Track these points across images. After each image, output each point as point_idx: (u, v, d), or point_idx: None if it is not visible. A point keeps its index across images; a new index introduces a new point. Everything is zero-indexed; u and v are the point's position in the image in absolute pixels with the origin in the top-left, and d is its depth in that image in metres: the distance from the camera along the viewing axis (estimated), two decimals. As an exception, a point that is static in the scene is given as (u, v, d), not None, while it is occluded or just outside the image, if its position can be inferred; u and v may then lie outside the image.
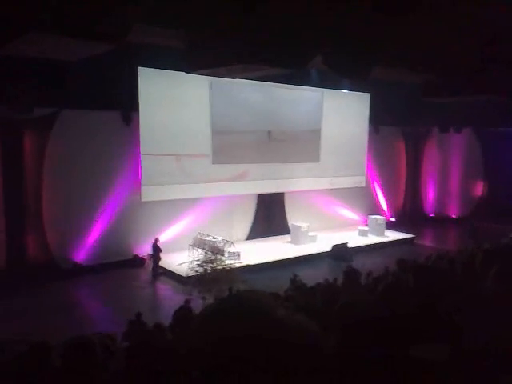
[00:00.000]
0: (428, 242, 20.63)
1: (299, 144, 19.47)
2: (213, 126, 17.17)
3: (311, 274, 12.19)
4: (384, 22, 7.96)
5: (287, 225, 19.55)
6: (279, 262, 15.99)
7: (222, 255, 14.22)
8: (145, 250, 15.89)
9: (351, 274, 9.96)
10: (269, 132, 18.61)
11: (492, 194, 24.07)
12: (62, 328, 8.33)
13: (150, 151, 15.70)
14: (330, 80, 17.81)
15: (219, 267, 13.92)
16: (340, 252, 16.97)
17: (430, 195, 25.56)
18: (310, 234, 18.37)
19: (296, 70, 10.67)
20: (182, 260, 14.74)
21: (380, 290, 3.02)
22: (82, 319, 11.23)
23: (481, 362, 1.94)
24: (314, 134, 20.07)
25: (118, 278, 14.30)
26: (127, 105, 15.25)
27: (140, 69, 15.07)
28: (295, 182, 19.55)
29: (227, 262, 14.24)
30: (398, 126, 23.01)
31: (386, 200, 23.64)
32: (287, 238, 18.78)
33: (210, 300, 9.82)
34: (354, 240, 18.79)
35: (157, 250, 15.00)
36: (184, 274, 14.18)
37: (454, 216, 25.01)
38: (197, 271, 13.97)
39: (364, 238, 19.67)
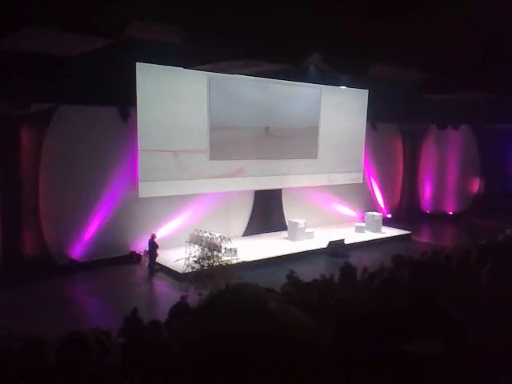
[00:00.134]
0: (424, 238, 20.68)
1: (297, 140, 19.46)
2: (210, 122, 17.14)
3: (308, 270, 12.21)
4: (383, 19, 7.95)
5: (284, 221, 19.56)
6: (276, 258, 16.00)
7: (219, 251, 14.23)
8: (141, 246, 15.87)
9: (348, 270, 9.98)
10: (266, 128, 18.59)
11: (488, 190, 24.13)
12: (57, 324, 8.31)
13: (147, 147, 15.66)
14: (328, 76, 17.81)
15: (216, 263, 13.95)
16: (337, 248, 17.01)
17: (426, 192, 25.61)
18: (307, 230, 18.39)
19: (294, 66, 10.66)
20: (178, 256, 14.75)
21: (375, 285, 3.02)
22: (78, 315, 11.22)
23: (475, 357, 1.94)
24: (312, 131, 20.06)
25: (114, 275, 14.29)
26: (125, 100, 15.19)
27: (138, 64, 15.01)
28: (293, 178, 19.54)
29: (224, 258, 14.26)
30: (395, 122, 23.03)
31: (383, 196, 23.67)
32: (284, 234, 18.80)
33: (207, 296, 9.80)
34: (351, 236, 18.83)
35: (153, 246, 14.99)
36: (181, 271, 14.20)
37: (450, 213, 25.06)
38: (193, 267, 14.00)
39: (361, 234, 19.71)
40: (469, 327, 2.16)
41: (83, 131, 14.55)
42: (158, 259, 15.12)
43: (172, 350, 0.90)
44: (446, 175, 25.19)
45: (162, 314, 8.76)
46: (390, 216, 23.04)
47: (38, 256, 14.06)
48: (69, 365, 3.08)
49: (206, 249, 14.29)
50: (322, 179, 20.48)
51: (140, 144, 15.53)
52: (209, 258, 14.03)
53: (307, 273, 11.03)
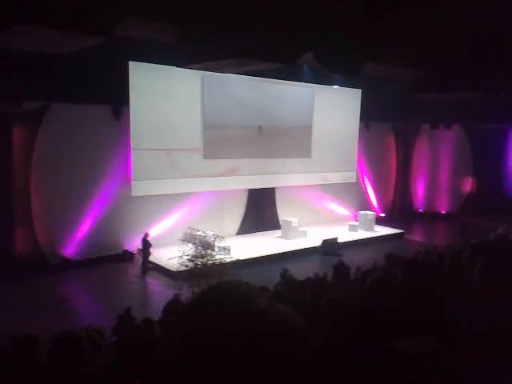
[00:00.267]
0: (417, 237, 20.77)
1: (290, 139, 19.48)
2: (204, 121, 17.11)
3: (301, 269, 12.22)
4: (375, 18, 7.96)
5: (278, 220, 19.58)
6: (269, 256, 16.02)
7: (213, 250, 14.22)
8: (134, 244, 15.83)
9: (341, 269, 10.00)
10: (260, 127, 18.59)
11: (481, 189, 24.25)
12: (50, 323, 8.27)
13: (140, 145, 15.61)
14: (321, 76, 17.84)
15: (209, 262, 13.93)
16: (330, 247, 17.05)
17: (419, 191, 25.72)
18: (301, 229, 18.42)
19: (287, 66, 10.66)
20: (172, 255, 14.71)
21: (368, 284, 3.04)
22: (70, 314, 11.18)
23: (467, 354, 1.96)
24: (305, 130, 20.08)
25: (107, 273, 14.25)
26: (117, 99, 15.14)
27: (131, 63, 14.96)
28: (286, 177, 19.56)
29: (217, 256, 14.25)
30: (388, 121, 23.10)
31: (376, 195, 23.75)
32: (278, 232, 18.81)
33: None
34: (344, 235, 18.87)
35: (147, 244, 14.95)
36: (174, 269, 14.17)
37: (443, 212, 25.19)
38: (187, 266, 13.97)
39: (354, 233, 19.77)
40: (461, 324, 2.17)
41: (76, 130, 14.49)
42: (152, 258, 15.09)
43: (161, 348, 0.90)
44: (438, 174, 25.30)
45: (156, 312, 8.74)
46: (383, 215, 23.11)
47: (31, 255, 13.99)
48: (61, 364, 3.07)
49: (199, 247, 14.28)
50: (315, 178, 20.52)
51: (133, 143, 15.48)
52: (202, 257, 14.01)
53: (301, 271, 11.04)
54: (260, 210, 19.55)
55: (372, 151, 22.94)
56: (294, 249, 17.03)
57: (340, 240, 17.73)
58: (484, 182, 24.10)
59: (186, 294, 10.81)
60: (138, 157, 15.63)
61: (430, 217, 24.43)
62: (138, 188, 15.72)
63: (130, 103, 15.21)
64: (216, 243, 14.44)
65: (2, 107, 12.89)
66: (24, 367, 3.67)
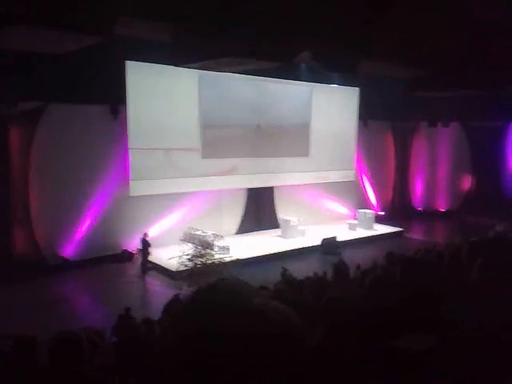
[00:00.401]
0: (416, 235, 20.78)
1: (288, 138, 19.47)
2: (202, 120, 17.10)
3: (301, 268, 12.24)
4: (372, 16, 7.96)
5: (277, 219, 19.58)
6: (269, 255, 16.01)
7: (212, 249, 14.22)
8: (134, 244, 15.82)
9: (340, 268, 10.01)
10: (258, 126, 18.58)
11: (480, 187, 24.26)
12: (49, 323, 8.26)
13: (138, 145, 15.60)
14: (319, 74, 17.83)
15: (209, 261, 13.93)
16: (329, 246, 17.05)
17: (418, 189, 25.74)
18: (300, 227, 18.42)
19: (284, 64, 10.66)
20: (171, 254, 14.71)
21: (367, 283, 3.03)
22: (70, 315, 11.16)
23: (466, 352, 1.95)
24: (304, 129, 20.08)
25: (106, 273, 14.24)
26: (115, 98, 15.12)
27: (128, 62, 14.95)
28: (285, 176, 19.57)
29: (217, 256, 14.25)
30: (386, 120, 23.10)
31: (375, 194, 23.76)
32: (277, 232, 18.81)
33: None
34: (343, 234, 18.87)
35: (146, 244, 14.94)
36: (174, 269, 14.16)
37: (442, 209, 25.21)
38: (186, 265, 13.96)
39: (353, 231, 19.77)
40: (460, 321, 2.17)
41: (73, 130, 14.46)
42: (151, 257, 15.08)
43: (159, 350, 0.89)
44: (437, 172, 25.32)
45: (156, 312, 8.74)
46: (382, 213, 23.12)
47: (29, 255, 13.97)
48: (61, 365, 3.06)
49: (198, 247, 14.27)
50: (314, 177, 20.52)
51: (131, 142, 15.47)
52: (202, 256, 14.01)
53: (300, 270, 11.05)
54: (259, 209, 19.55)
55: (371, 150, 22.95)
56: (293, 248, 17.03)
57: (339, 239, 17.73)
58: (483, 179, 24.11)
59: (185, 293, 10.79)
60: (136, 156, 15.62)
61: (429, 215, 24.45)
62: (137, 188, 15.71)
63: (128, 103, 15.20)
64: (215, 242, 14.44)
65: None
66: (23, 368, 3.66)
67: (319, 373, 1.66)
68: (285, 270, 10.44)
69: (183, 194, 17.00)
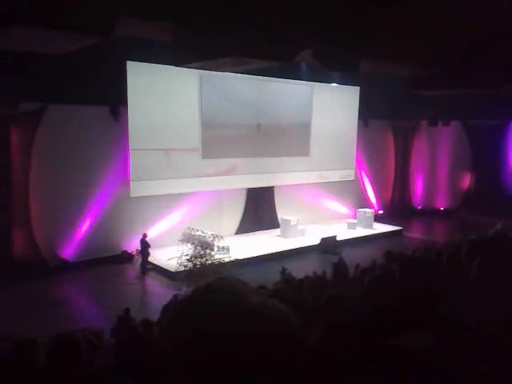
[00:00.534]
0: (416, 234, 20.79)
1: (289, 138, 19.47)
2: (202, 120, 17.09)
3: (300, 267, 12.22)
4: (373, 14, 7.95)
5: (277, 218, 19.57)
6: (269, 255, 16.01)
7: (212, 250, 14.21)
8: (133, 245, 15.81)
9: (340, 267, 10.01)
10: (258, 125, 18.58)
11: (479, 186, 24.27)
12: (49, 325, 8.26)
13: (138, 146, 15.59)
14: (320, 74, 17.81)
15: (208, 262, 13.93)
16: (329, 245, 17.05)
17: (418, 188, 25.75)
18: (300, 227, 18.42)
19: (284, 64, 10.65)
20: (171, 255, 14.71)
21: (366, 281, 3.03)
22: (69, 316, 11.15)
23: (465, 350, 1.95)
24: (304, 128, 20.08)
25: (106, 274, 14.22)
26: (115, 99, 15.11)
27: (129, 63, 14.93)
28: (285, 175, 19.56)
29: (216, 256, 14.25)
30: (387, 119, 23.10)
31: (375, 193, 23.76)
32: (277, 231, 18.80)
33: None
34: (343, 233, 18.87)
35: (145, 245, 14.93)
36: (173, 269, 14.16)
37: (441, 208, 25.22)
38: (186, 266, 13.97)
39: (353, 230, 19.77)
40: (458, 319, 2.16)
41: (74, 130, 14.46)
42: (151, 258, 15.07)
43: (157, 352, 0.88)
44: (437, 171, 25.33)
45: (155, 312, 8.72)
46: (381, 212, 23.13)
47: (29, 256, 13.95)
48: (59, 366, 3.06)
49: (198, 247, 14.27)
50: (314, 176, 20.52)
51: (131, 143, 15.46)
52: (201, 257, 14.01)
53: (300, 270, 11.04)
54: (259, 209, 19.54)
55: (371, 149, 22.95)
56: (292, 247, 17.02)
57: (339, 238, 17.73)
58: (483, 178, 24.12)
59: (185, 294, 10.78)
60: (137, 157, 15.61)
61: (429, 213, 24.46)
62: (137, 188, 15.71)
63: (128, 103, 15.19)
64: (215, 243, 14.43)
65: (0, 108, 12.85)
66: (22, 370, 3.65)
67: (318, 372, 1.65)
68: (284, 269, 10.43)
69: (183, 194, 17.00)
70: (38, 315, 10.55)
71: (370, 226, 20.32)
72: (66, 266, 14.45)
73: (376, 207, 23.22)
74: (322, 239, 17.37)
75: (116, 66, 14.30)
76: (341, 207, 22.32)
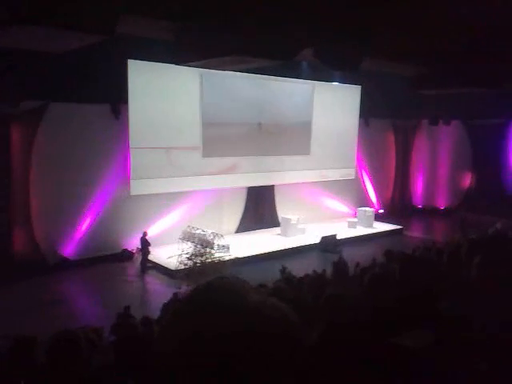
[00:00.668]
0: (416, 233, 20.79)
1: (289, 136, 19.45)
2: (203, 119, 17.08)
3: (300, 266, 12.23)
4: (373, 13, 7.95)
5: (277, 217, 19.57)
6: (269, 254, 16.01)
7: (212, 248, 14.21)
8: (133, 243, 15.82)
9: (340, 266, 10.01)
10: (259, 124, 18.57)
11: (480, 185, 24.27)
12: (49, 323, 8.25)
13: (139, 144, 15.58)
14: (321, 72, 17.79)
15: (208, 260, 13.93)
16: (329, 244, 17.05)
17: (418, 187, 25.74)
18: (300, 226, 18.42)
19: (285, 62, 10.64)
20: (171, 253, 14.71)
21: (366, 280, 3.03)
22: (69, 314, 11.17)
23: (464, 348, 1.95)
24: (305, 127, 20.06)
25: (106, 272, 14.23)
26: (116, 97, 15.11)
27: (130, 61, 14.92)
28: (285, 174, 19.55)
29: (217, 254, 14.25)
30: (388, 118, 23.08)
31: (376, 192, 23.75)
32: (277, 230, 18.80)
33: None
34: (343, 232, 18.86)
35: (145, 243, 14.94)
36: (173, 268, 14.17)
37: (442, 207, 25.22)
38: (186, 264, 13.97)
39: (353, 229, 19.77)
40: (459, 319, 2.17)
41: (74, 129, 14.46)
42: (151, 256, 15.08)
43: (156, 348, 0.88)
44: (437, 170, 25.32)
45: (155, 311, 8.74)
46: (382, 211, 23.12)
47: (29, 254, 13.96)
48: (58, 364, 3.06)
49: (198, 245, 14.27)
50: (314, 175, 20.51)
51: (131, 141, 15.45)
52: (201, 255, 14.01)
53: (300, 268, 11.05)
54: (259, 208, 19.54)
55: (371, 148, 22.93)
56: (293, 246, 17.03)
57: (339, 237, 17.73)
58: (483, 177, 24.11)
59: (185, 292, 10.80)
60: (137, 155, 15.60)
61: (429, 212, 24.46)
62: (137, 187, 15.70)
63: (129, 102, 15.18)
64: (215, 241, 14.42)
65: (1, 107, 12.85)
66: (22, 368, 3.66)
67: (318, 371, 1.65)
68: (284, 268, 10.43)
69: (183, 192, 16.99)
70: (37, 313, 10.56)
71: (371, 225, 20.32)
72: (66, 264, 14.46)
73: (376, 206, 23.22)
74: (323, 238, 17.37)
75: (117, 64, 14.28)
76: (341, 206, 22.32)
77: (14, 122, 13.68)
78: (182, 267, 13.95)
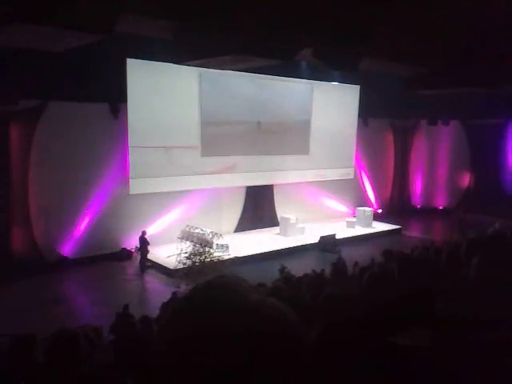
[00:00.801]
0: (415, 232, 20.80)
1: (288, 136, 19.45)
2: (202, 118, 17.07)
3: (299, 266, 12.24)
4: (373, 14, 7.95)
5: (276, 217, 19.57)
6: (268, 253, 16.01)
7: (211, 247, 14.22)
8: (132, 242, 15.81)
9: (339, 265, 10.01)
10: (258, 123, 18.56)
11: (479, 185, 24.30)
12: (48, 322, 8.26)
13: (138, 143, 15.57)
14: (320, 72, 17.80)
15: (207, 259, 13.94)
16: (328, 243, 17.06)
17: (417, 187, 25.76)
18: (299, 225, 18.42)
19: (285, 62, 10.65)
20: (170, 253, 14.71)
21: (365, 280, 3.04)
22: (68, 313, 11.17)
23: (463, 348, 1.96)
24: (304, 126, 20.06)
25: (105, 271, 14.23)
26: (115, 96, 15.08)
27: (129, 60, 14.90)
28: (284, 174, 19.55)
29: (215, 254, 14.26)
30: (387, 118, 23.09)
31: (374, 192, 23.77)
32: (276, 229, 18.80)
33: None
34: (342, 231, 18.87)
35: (144, 242, 14.94)
36: (172, 267, 14.17)
37: (440, 207, 25.24)
38: (185, 264, 13.98)
39: (352, 229, 19.78)
40: (457, 319, 2.17)
41: (73, 128, 14.44)
42: (150, 256, 15.08)
43: (155, 347, 0.89)
44: (436, 170, 25.34)
45: (154, 310, 8.74)
46: (380, 211, 23.13)
47: (28, 253, 13.96)
48: (58, 363, 3.06)
49: (197, 245, 14.27)
50: (313, 175, 20.51)
51: (130, 140, 15.44)
52: (200, 254, 14.02)
53: (299, 268, 11.06)
54: (258, 207, 19.54)
55: (370, 148, 22.94)
56: (292, 245, 17.03)
57: (338, 236, 17.73)
58: (482, 177, 24.14)
59: (184, 291, 10.80)
60: (136, 154, 15.59)
61: (428, 212, 24.47)
62: (136, 186, 15.70)
63: (128, 101, 15.16)
64: (214, 240, 14.43)
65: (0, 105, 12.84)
66: (21, 367, 3.66)
67: (317, 370, 1.66)
68: (283, 267, 10.43)
69: (182, 191, 16.98)
70: (37, 312, 10.55)
71: (369, 225, 20.33)
72: (65, 263, 14.45)
73: (375, 206, 23.23)
74: (321, 237, 17.37)
75: (116, 63, 14.26)
76: (340, 206, 22.33)
77: (13, 120, 13.67)
78: (181, 266, 13.96)
